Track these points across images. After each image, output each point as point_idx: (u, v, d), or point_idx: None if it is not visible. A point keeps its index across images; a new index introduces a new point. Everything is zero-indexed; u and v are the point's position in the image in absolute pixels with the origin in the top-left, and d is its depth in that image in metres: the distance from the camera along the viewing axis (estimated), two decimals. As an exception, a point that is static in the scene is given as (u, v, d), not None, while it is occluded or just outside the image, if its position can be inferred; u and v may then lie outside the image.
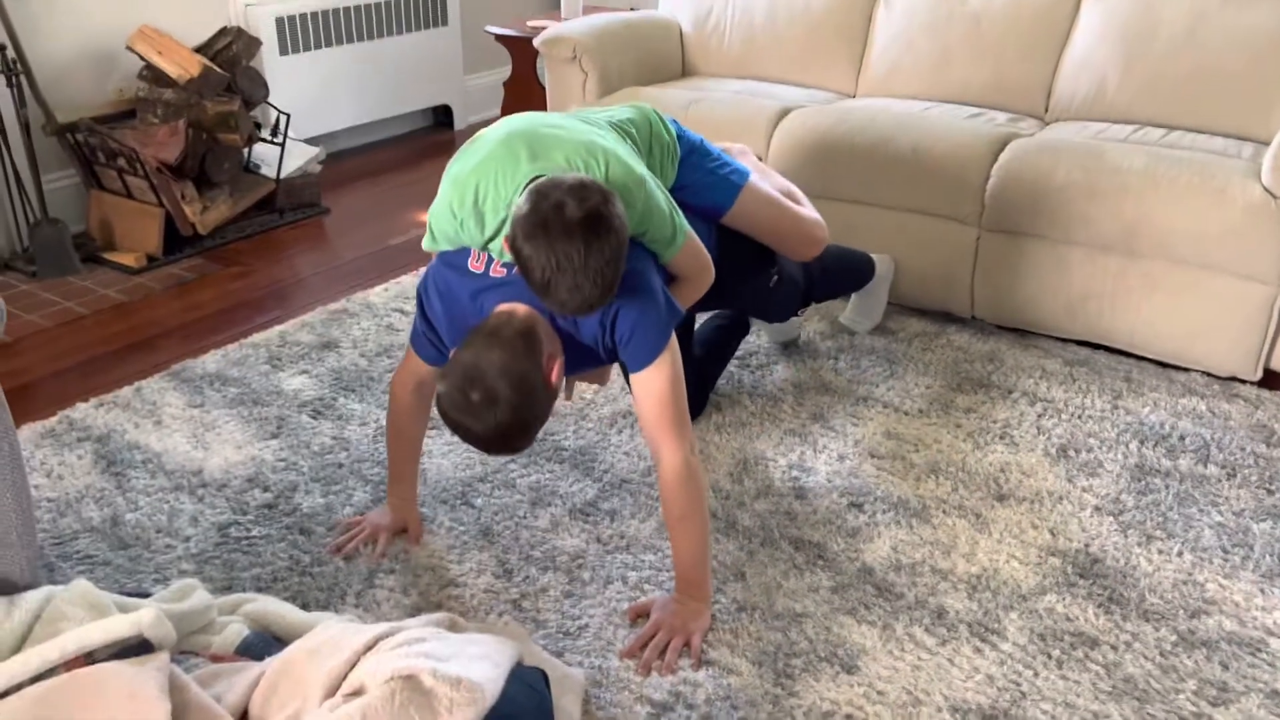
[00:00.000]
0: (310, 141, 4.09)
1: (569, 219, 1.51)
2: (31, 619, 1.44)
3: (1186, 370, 2.56)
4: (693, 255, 1.87)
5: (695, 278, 1.91)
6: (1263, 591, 1.84)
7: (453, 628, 1.56)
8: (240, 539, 1.99)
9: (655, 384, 1.71)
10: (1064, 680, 1.66)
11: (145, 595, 1.66)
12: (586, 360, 1.83)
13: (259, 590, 1.85)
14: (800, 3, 3.30)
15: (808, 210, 2.27)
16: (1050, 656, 1.71)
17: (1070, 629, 1.76)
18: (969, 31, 3.02)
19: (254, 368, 2.61)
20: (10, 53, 3.07)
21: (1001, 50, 2.99)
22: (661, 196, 1.78)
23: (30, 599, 1.47)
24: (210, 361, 2.64)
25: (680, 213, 1.83)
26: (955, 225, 2.70)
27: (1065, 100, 2.93)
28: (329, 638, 1.39)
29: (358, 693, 1.30)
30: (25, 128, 3.13)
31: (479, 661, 1.35)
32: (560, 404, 2.41)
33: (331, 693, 1.31)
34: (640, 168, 1.76)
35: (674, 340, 1.73)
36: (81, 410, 2.42)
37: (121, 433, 2.33)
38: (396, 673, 1.28)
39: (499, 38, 4.25)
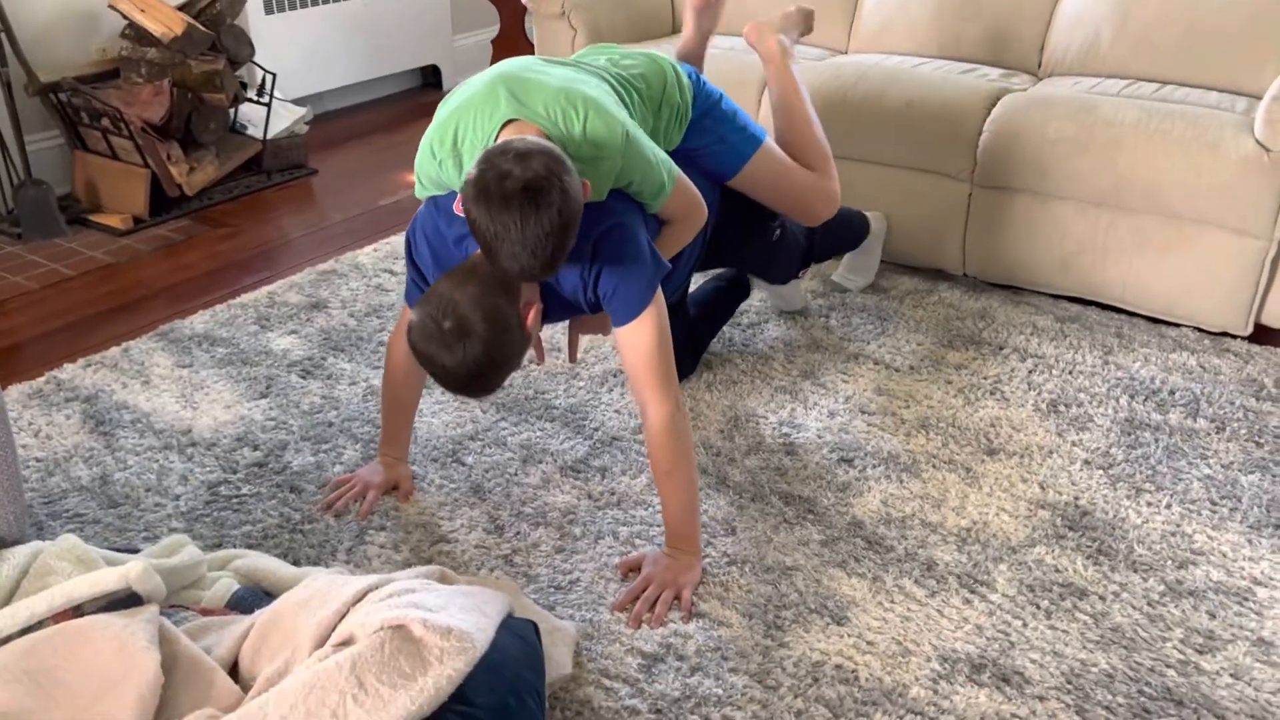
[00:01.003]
0: (297, 102, 4.04)
1: (508, 190, 1.48)
2: (19, 573, 1.44)
3: (1177, 325, 2.56)
4: (683, 196, 1.85)
5: (688, 218, 1.90)
6: (1250, 542, 1.85)
7: (443, 580, 1.56)
8: (230, 497, 1.99)
9: (641, 339, 1.70)
10: (1052, 630, 1.67)
11: (134, 551, 1.66)
12: (567, 311, 1.82)
13: (249, 548, 1.85)
14: (792, -43, 3.25)
15: (821, 178, 2.23)
16: (1039, 607, 1.71)
17: (1059, 580, 1.77)
18: (962, -15, 2.99)
19: (242, 328, 2.60)
20: (-10, 10, 3.02)
21: (995, 5, 2.96)
22: (647, 145, 1.75)
23: (18, 553, 1.47)
24: (198, 322, 2.63)
25: (667, 158, 1.81)
26: (947, 181, 2.69)
27: (1059, 55, 2.90)
28: (318, 589, 1.39)
29: (347, 643, 1.30)
30: (7, 87, 3.09)
31: (469, 612, 1.35)
32: (564, 364, 2.41)
33: (321, 643, 1.31)
34: (621, 117, 1.72)
35: (660, 295, 1.72)
36: (69, 371, 2.40)
37: (110, 393, 2.32)
38: (386, 623, 1.28)
39: (487, -4, 4.20)
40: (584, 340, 2.48)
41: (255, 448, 2.13)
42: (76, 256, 3.06)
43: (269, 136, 3.58)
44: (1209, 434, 2.15)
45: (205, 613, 1.50)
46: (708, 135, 2.06)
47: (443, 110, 1.75)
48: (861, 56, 3.06)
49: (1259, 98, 2.59)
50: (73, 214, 3.27)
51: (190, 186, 3.34)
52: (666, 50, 2.32)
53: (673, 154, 1.96)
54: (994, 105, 2.64)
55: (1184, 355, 2.43)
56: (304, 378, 2.38)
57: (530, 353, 2.30)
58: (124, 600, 1.36)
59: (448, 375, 1.57)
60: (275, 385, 2.35)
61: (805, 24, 2.44)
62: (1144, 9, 2.76)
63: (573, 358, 2.01)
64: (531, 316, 1.63)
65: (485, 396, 1.67)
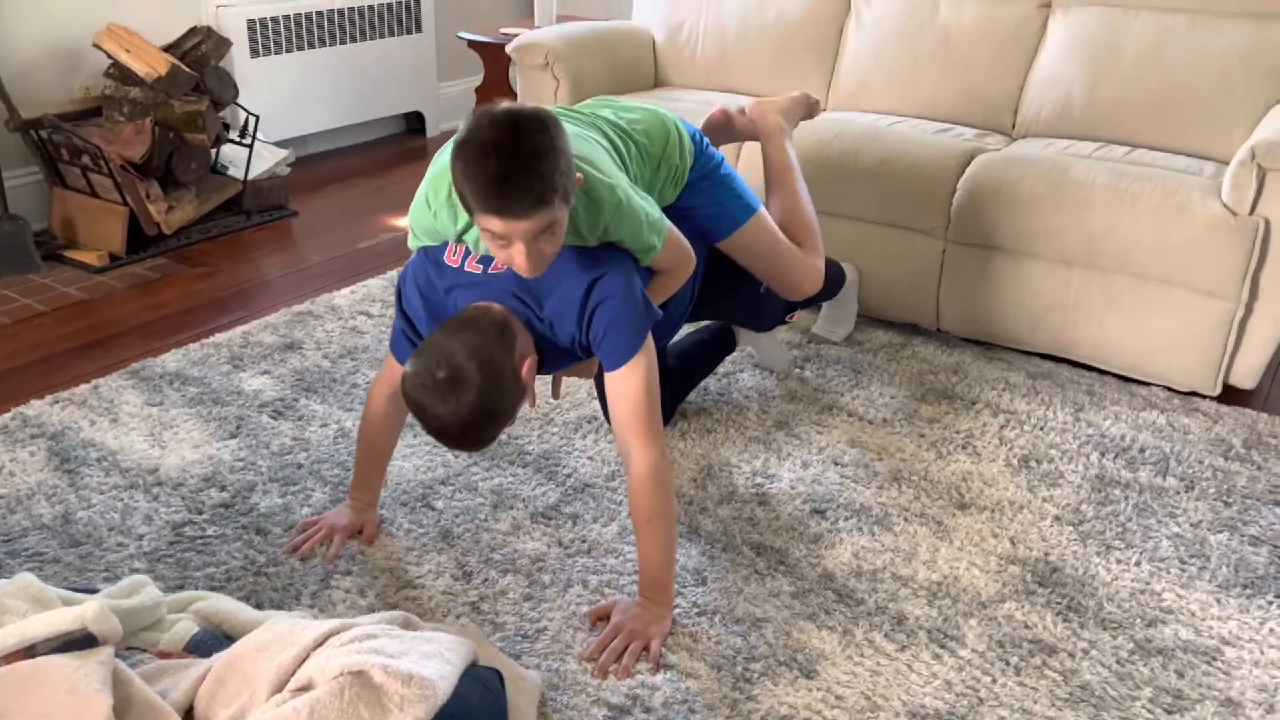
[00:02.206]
0: (281, 144, 4.06)
1: (496, 116, 1.46)
2: (-27, 612, 1.40)
3: (1147, 384, 2.59)
4: (673, 249, 1.86)
5: (677, 268, 1.90)
6: (1218, 601, 1.85)
7: (407, 626, 1.54)
8: (195, 538, 1.96)
9: (629, 385, 1.70)
10: (1021, 687, 1.66)
11: (93, 591, 1.63)
12: (563, 361, 1.82)
13: (212, 589, 1.82)
14: (772, 15, 3.32)
15: (807, 254, 2.25)
16: (1008, 663, 1.71)
17: (1029, 636, 1.76)
18: (938, 46, 3.05)
19: (215, 367, 2.58)
20: (-26, 46, 3.03)
21: (970, 66, 3.02)
22: (640, 207, 1.75)
23: (-28, 592, 1.43)
24: (170, 360, 2.60)
25: (660, 216, 1.82)
26: (922, 238, 2.72)
27: (1032, 116, 2.96)
28: (278, 633, 1.37)
29: (306, 688, 1.27)
30: (-13, 122, 3.09)
31: (431, 659, 1.33)
32: (546, 402, 2.40)
33: (279, 688, 1.29)
34: (614, 174, 1.73)
35: (650, 342, 1.73)
36: (36, 407, 2.37)
37: (76, 430, 2.29)
38: (346, 668, 1.26)
39: (472, 44, 4.25)
40: (565, 380, 2.47)
41: (222, 488, 2.11)
42: (50, 292, 3.03)
43: (250, 178, 3.59)
44: (1178, 492, 2.16)
45: (163, 655, 1.47)
46: (703, 197, 2.08)
47: (437, 163, 1.76)
48: (839, 114, 3.11)
49: (1226, 163, 2.64)
50: (48, 250, 3.26)
51: (169, 225, 3.33)
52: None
53: (666, 210, 1.98)
54: (968, 164, 2.69)
55: (1154, 414, 2.45)
56: (275, 418, 2.36)
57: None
58: (79, 641, 1.34)
59: (441, 427, 1.56)
60: (245, 425, 2.33)
61: (809, 111, 2.49)
62: (1115, 74, 2.82)
63: (555, 394, 2.03)
64: (527, 367, 1.63)
65: (479, 449, 1.65)
